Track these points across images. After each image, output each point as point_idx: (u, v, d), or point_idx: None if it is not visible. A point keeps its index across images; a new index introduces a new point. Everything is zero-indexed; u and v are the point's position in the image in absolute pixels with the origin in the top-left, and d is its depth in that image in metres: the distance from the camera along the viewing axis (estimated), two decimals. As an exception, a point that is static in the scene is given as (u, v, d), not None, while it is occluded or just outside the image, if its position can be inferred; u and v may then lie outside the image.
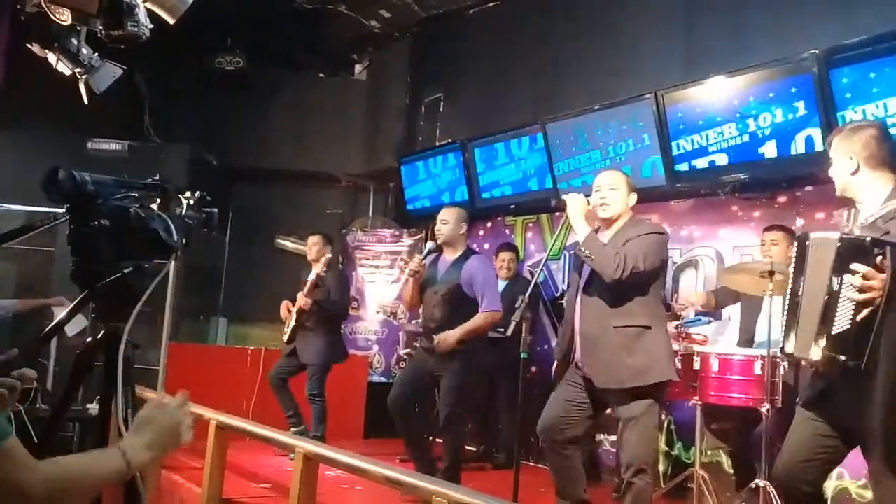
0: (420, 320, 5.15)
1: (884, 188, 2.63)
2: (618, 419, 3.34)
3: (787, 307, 2.65)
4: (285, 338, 5.84)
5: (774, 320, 3.88)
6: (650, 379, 3.26)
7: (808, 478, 2.62)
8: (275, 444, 4.18)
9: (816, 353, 2.48)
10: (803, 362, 2.99)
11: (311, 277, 5.76)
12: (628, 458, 3.27)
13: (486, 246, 7.00)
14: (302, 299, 5.63)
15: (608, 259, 3.24)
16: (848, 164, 2.66)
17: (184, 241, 1.72)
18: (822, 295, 2.47)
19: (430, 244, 4.79)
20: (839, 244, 2.46)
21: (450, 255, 4.62)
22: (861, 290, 2.38)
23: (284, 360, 5.84)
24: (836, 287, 2.44)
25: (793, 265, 2.66)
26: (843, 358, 2.42)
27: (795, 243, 2.69)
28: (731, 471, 4.65)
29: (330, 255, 5.79)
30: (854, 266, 2.40)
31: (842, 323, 2.43)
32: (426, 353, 4.50)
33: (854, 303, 2.40)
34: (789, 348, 2.61)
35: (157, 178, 1.77)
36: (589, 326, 3.38)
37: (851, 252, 2.43)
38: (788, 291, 2.66)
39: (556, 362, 3.60)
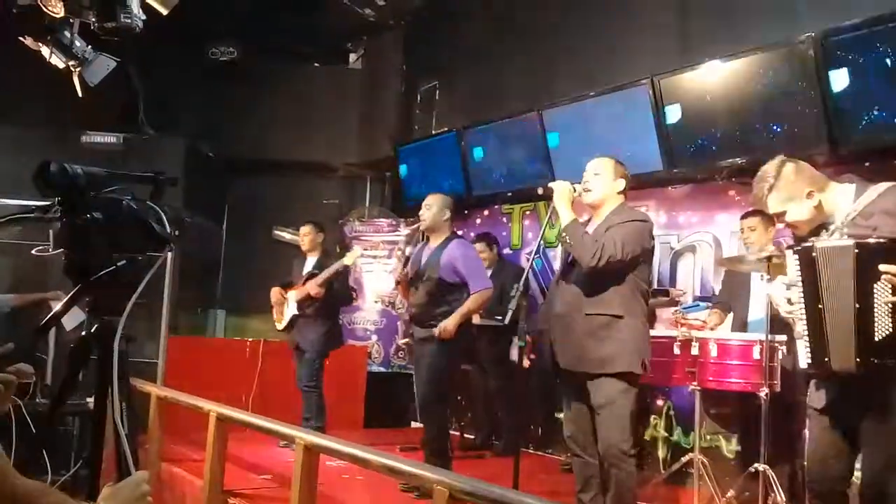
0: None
1: (843, 193, 2.63)
2: (591, 408, 3.34)
3: (807, 322, 2.57)
4: (280, 325, 5.82)
5: (768, 303, 3.88)
6: (615, 368, 3.26)
7: (841, 473, 2.61)
8: (275, 436, 4.19)
9: (859, 363, 2.42)
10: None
11: (309, 268, 5.75)
12: (604, 447, 3.28)
13: (484, 234, 6.99)
14: (314, 288, 5.60)
15: (586, 247, 3.27)
16: (808, 202, 2.63)
17: (176, 232, 1.70)
18: (852, 304, 2.42)
19: (409, 249, 4.83)
20: (857, 251, 2.42)
21: (434, 242, 4.63)
22: (895, 291, 2.35)
23: (300, 361, 5.76)
24: (866, 292, 2.39)
25: (799, 277, 2.60)
26: (892, 362, 2.38)
27: (796, 256, 2.61)
28: (731, 455, 4.67)
29: (360, 250, 5.71)
30: (884, 267, 2.35)
31: (883, 329, 2.38)
32: (413, 339, 4.55)
33: (890, 305, 2.37)
34: (827, 364, 2.52)
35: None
36: (562, 310, 3.42)
37: (873, 256, 2.39)
38: (802, 306, 2.59)
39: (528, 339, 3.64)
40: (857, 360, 2.43)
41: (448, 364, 4.47)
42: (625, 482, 3.25)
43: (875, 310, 2.39)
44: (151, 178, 1.72)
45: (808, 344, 2.58)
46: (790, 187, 2.64)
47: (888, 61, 3.94)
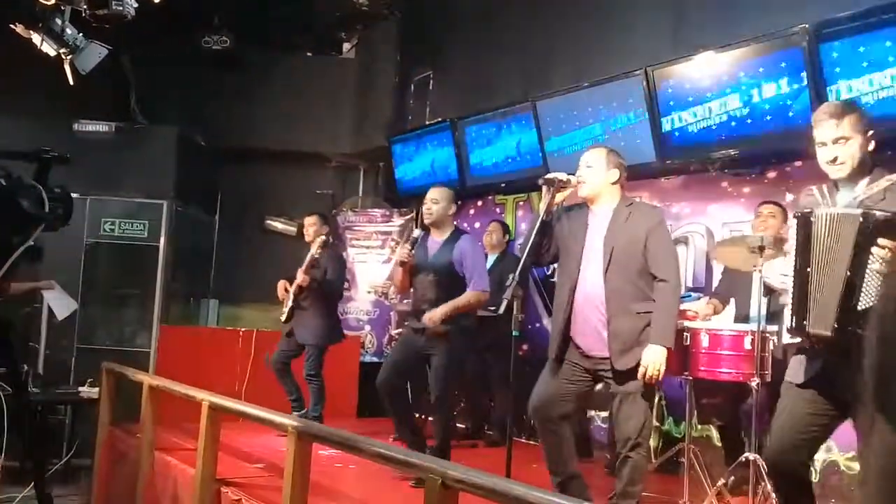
0: (411, 300, 5.14)
1: (868, 169, 2.65)
2: (613, 395, 3.40)
3: (794, 284, 2.61)
4: (283, 317, 5.84)
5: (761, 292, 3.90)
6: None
7: (800, 455, 2.64)
8: (268, 425, 4.19)
9: (835, 329, 2.45)
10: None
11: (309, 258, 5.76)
12: (624, 432, 3.34)
13: (477, 225, 7.00)
14: (301, 276, 5.62)
15: (674, 319, 3.40)
16: (864, 142, 2.62)
17: (59, 211, 1.65)
18: (844, 270, 2.44)
19: (416, 231, 4.77)
20: (862, 220, 2.44)
21: (438, 236, 4.54)
22: (889, 264, 2.36)
23: (284, 343, 5.82)
24: (860, 262, 2.41)
25: (794, 242, 2.62)
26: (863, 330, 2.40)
27: (795, 220, 2.64)
28: (721, 445, 4.70)
29: (324, 237, 5.75)
30: (882, 241, 2.37)
31: (867, 298, 2.40)
32: (416, 333, 4.49)
33: (881, 277, 2.37)
34: (805, 326, 2.56)
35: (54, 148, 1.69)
36: (614, 312, 3.38)
37: (875, 228, 2.40)
38: (794, 269, 2.62)
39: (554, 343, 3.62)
40: (835, 325, 2.46)
41: (462, 362, 4.50)
42: (641, 465, 3.34)
43: (865, 280, 2.41)
44: (35, 156, 1.68)
45: (791, 306, 2.61)
46: (865, 124, 2.64)
47: (881, 54, 3.95)
